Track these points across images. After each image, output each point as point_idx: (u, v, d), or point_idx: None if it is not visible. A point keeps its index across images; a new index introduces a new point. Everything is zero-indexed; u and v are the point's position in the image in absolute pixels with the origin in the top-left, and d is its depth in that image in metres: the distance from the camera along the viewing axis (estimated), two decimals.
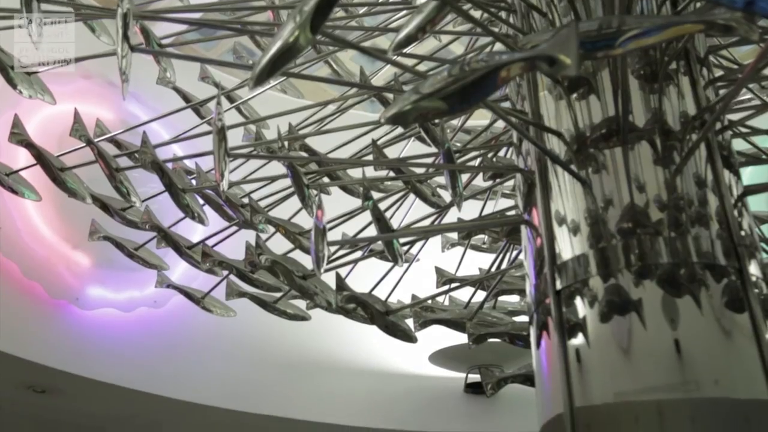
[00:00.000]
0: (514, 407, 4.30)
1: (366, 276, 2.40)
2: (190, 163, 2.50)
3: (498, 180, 2.39)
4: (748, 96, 2.11)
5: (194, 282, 2.98)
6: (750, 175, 2.21)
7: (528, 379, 2.21)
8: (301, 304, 2.58)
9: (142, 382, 3.96)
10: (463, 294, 2.58)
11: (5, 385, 3.94)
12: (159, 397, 4.01)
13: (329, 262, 2.15)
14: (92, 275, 4.03)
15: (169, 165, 2.30)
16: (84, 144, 2.24)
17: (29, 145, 2.21)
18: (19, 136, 2.22)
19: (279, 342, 4.35)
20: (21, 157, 2.92)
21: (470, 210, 2.43)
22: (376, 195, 2.34)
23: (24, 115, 2.39)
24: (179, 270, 3.52)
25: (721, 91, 1.72)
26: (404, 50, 1.54)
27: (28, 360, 3.62)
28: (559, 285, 1.43)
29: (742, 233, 1.41)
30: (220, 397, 4.17)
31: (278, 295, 2.49)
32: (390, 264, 2.38)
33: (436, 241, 2.84)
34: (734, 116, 1.86)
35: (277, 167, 2.38)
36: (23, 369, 3.69)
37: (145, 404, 4.12)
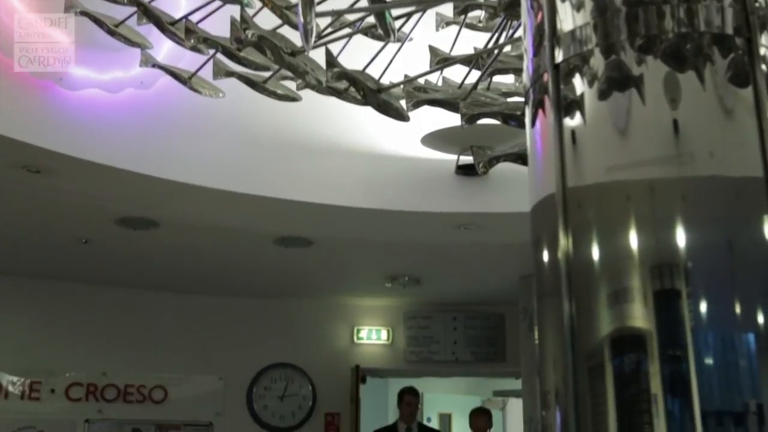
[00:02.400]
0: (505, 187, 4.37)
1: (357, 57, 2.32)
2: None
3: None
4: None
5: (180, 62, 2.88)
6: None
7: (520, 158, 2.20)
8: (291, 85, 2.52)
9: (134, 162, 3.97)
10: (457, 75, 2.51)
11: None
12: (150, 177, 4.04)
13: (318, 39, 2.06)
14: (74, 55, 3.89)
15: None
16: None
17: None
18: None
19: (270, 123, 4.32)
20: None
21: None
22: None
23: None
24: (164, 49, 3.40)
25: None
26: None
27: (14, 138, 3.58)
28: (558, 58, 1.36)
29: (756, 4, 1.33)
30: (210, 178, 4.21)
31: (267, 74, 2.42)
32: (382, 44, 2.29)
33: (430, 21, 2.71)
34: None
35: None
36: (12, 148, 3.66)
37: (137, 184, 4.16)
